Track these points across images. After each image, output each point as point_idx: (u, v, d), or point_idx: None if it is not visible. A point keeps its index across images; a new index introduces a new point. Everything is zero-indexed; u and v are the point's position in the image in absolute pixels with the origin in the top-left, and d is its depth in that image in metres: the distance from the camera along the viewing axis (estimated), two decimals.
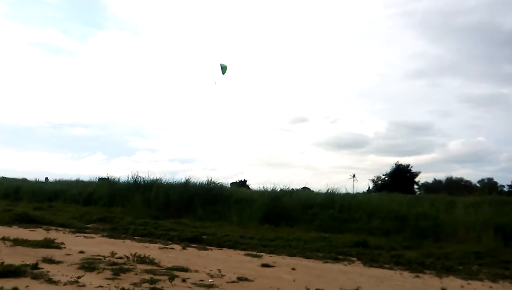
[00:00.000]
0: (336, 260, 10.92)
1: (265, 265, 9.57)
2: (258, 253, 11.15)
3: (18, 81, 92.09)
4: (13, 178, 34.52)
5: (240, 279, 7.96)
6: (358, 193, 27.00)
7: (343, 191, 22.07)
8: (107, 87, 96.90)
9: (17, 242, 11.04)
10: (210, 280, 7.83)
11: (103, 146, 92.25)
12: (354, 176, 79.15)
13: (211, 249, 11.76)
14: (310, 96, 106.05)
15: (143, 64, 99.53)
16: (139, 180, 23.28)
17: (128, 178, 23.87)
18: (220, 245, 12.43)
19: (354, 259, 11.14)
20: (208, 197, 20.43)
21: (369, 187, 54.17)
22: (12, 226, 14.97)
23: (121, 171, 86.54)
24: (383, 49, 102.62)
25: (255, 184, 67.21)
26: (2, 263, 7.78)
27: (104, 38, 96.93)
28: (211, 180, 22.17)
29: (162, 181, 22.81)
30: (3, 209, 19.35)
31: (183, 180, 22.44)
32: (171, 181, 23.02)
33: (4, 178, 34.34)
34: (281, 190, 20.99)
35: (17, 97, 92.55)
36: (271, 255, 11.17)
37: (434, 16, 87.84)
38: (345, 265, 10.43)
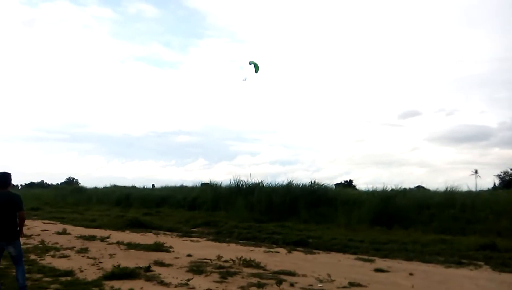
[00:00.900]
0: (459, 264, 10.18)
1: (379, 270, 9.25)
2: (370, 257, 10.82)
3: (126, 95, 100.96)
4: (124, 186, 37.86)
5: (352, 284, 7.79)
6: (482, 191, 24.84)
7: (464, 188, 20.50)
8: (207, 94, 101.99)
9: (130, 246, 12.10)
10: (319, 285, 7.78)
11: (204, 152, 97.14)
12: (476, 172, 72.97)
13: (318, 253, 11.67)
14: (422, 88, 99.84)
15: (241, 69, 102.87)
16: (241, 184, 23.99)
17: (230, 182, 24.79)
18: (328, 248, 12.29)
19: (481, 263, 10.29)
20: (312, 199, 20.31)
21: (494, 184, 49.43)
22: (125, 231, 16.42)
23: (223, 175, 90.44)
24: (504, 31, 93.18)
25: (362, 184, 65.56)
26: (119, 265, 8.53)
27: (204, 47, 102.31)
28: (314, 181, 22.08)
29: (264, 184, 23.23)
30: (116, 215, 21.34)
31: (285, 182, 22.65)
32: (273, 184, 23.33)
33: (115, 186, 37.71)
34: (392, 189, 20.12)
35: (126, 111, 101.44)
36: (384, 259, 10.76)
37: None
38: (471, 270, 9.66)
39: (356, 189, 29.93)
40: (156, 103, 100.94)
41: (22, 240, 7.00)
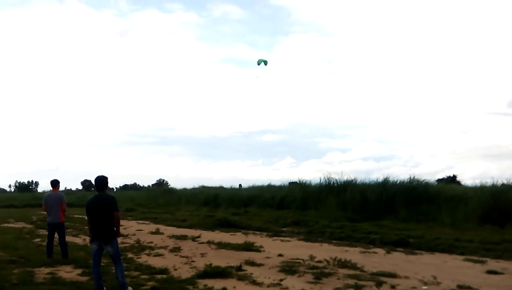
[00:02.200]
0: None
1: (491, 272, 8.71)
2: (480, 258, 10.21)
3: (212, 97, 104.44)
4: (211, 187, 39.25)
5: (461, 287, 7.41)
6: None
7: None
8: (294, 91, 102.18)
9: (220, 245, 12.54)
10: (424, 287, 7.51)
11: (292, 150, 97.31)
12: None
13: (421, 254, 11.22)
14: None
15: (329, 63, 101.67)
16: (331, 182, 23.84)
17: (320, 181, 24.70)
18: (431, 249, 11.76)
19: None
20: (411, 196, 19.59)
21: None
22: (214, 230, 17.05)
23: (311, 173, 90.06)
24: None
25: (468, 179, 61.81)
26: (211, 264, 8.88)
27: (290, 43, 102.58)
28: (413, 177, 21.37)
29: (357, 182, 22.93)
30: (205, 215, 22.21)
31: (380, 179, 22.13)
32: (366, 181, 22.98)
33: (203, 187, 39.16)
34: (504, 184, 18.74)
35: (212, 112, 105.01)
36: (497, 260, 10.09)
37: None
38: None
39: (461, 184, 28.30)
40: (241, 103, 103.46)
41: (119, 239, 7.54)
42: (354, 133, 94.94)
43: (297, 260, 9.94)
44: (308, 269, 8.93)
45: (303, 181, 26.41)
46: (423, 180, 21.52)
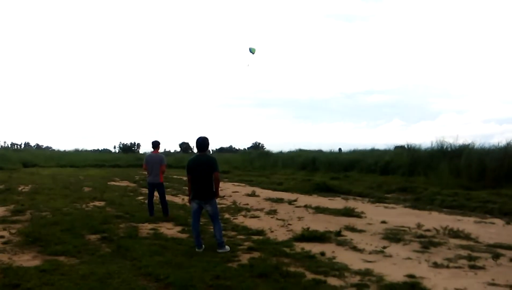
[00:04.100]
0: None
1: None
2: None
3: (313, 56, 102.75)
4: (309, 150, 39.44)
5: None
6: None
7: None
8: (404, 48, 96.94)
9: (318, 209, 12.69)
10: None
11: (401, 111, 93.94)
12: None
13: None
14: None
15: (443, 15, 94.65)
16: (444, 146, 22.81)
17: (432, 145, 23.76)
18: None
19: None
20: None
21: None
22: (312, 194, 17.22)
23: (422, 137, 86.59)
24: None
25: None
26: (308, 228, 9.01)
27: None
28: None
29: (474, 146, 21.73)
30: (302, 179, 22.47)
31: (503, 143, 20.69)
32: (485, 145, 21.77)
33: (301, 150, 39.53)
34: None
35: (312, 72, 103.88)
36: None
37: None
38: None
39: None
40: (345, 61, 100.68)
41: (217, 200, 7.93)
42: (472, 92, 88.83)
43: (403, 228, 9.77)
44: (414, 238, 8.75)
45: (412, 145, 25.59)
46: None
